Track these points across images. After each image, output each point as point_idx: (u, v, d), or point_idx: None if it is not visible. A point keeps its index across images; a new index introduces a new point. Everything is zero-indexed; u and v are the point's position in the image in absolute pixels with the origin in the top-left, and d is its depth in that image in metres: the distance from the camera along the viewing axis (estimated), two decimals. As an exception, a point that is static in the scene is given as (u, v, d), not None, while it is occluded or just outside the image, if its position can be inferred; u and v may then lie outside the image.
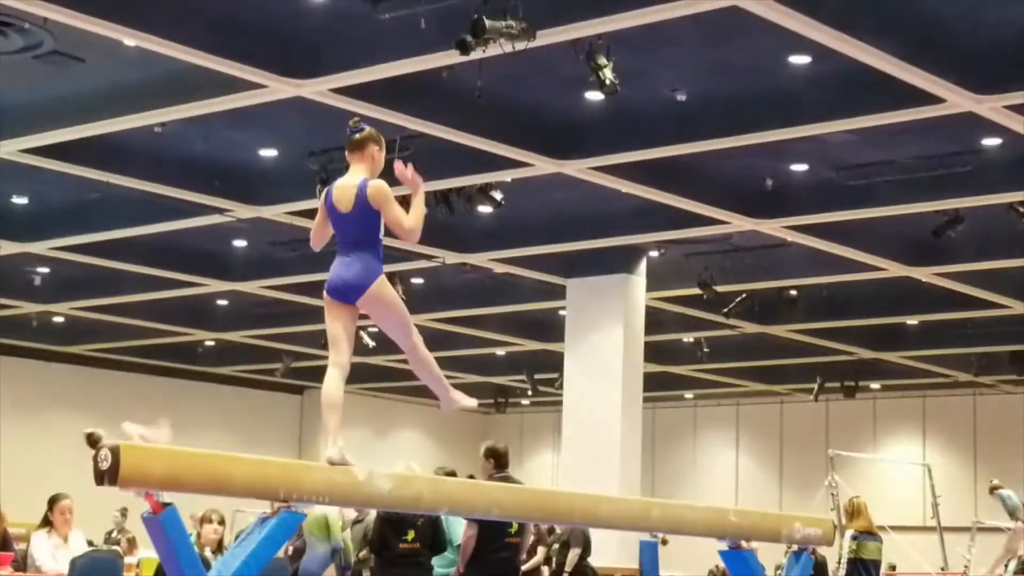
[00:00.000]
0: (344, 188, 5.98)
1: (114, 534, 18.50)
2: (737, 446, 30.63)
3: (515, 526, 9.76)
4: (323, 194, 6.10)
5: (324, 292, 5.96)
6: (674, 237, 17.05)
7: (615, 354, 17.84)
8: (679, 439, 30.95)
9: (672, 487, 30.23)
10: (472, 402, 6.39)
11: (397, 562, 10.18)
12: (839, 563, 12.46)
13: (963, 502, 25.62)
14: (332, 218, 6.00)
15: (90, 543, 12.98)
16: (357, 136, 6.11)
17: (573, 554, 14.64)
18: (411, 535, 10.19)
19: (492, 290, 20.58)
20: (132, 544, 17.31)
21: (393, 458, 17.84)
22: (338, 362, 5.89)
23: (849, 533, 12.37)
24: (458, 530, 10.42)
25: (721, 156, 13.79)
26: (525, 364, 25.89)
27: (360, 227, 5.94)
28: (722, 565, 7.86)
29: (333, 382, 5.84)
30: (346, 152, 6.13)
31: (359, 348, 24.06)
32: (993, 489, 19.60)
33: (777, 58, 11.68)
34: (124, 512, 19.26)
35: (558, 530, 15.01)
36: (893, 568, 21.53)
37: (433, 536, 10.37)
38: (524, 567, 12.29)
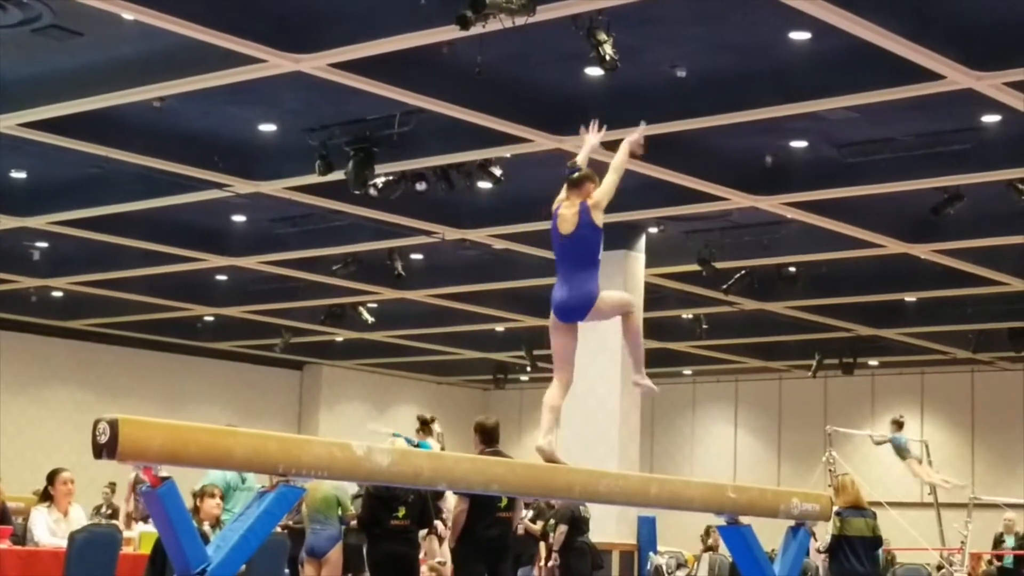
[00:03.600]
0: (565, 215, 6.74)
1: (103, 509, 18.55)
2: (736, 422, 30.65)
3: (505, 501, 9.77)
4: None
5: (551, 313, 6.72)
6: (673, 214, 17.02)
7: (614, 330, 17.75)
8: (678, 415, 30.95)
9: (670, 463, 30.28)
10: (653, 389, 7.14)
11: (388, 538, 10.25)
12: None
13: (960, 478, 25.65)
14: (555, 243, 6.73)
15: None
16: (576, 176, 6.93)
17: (560, 530, 14.66)
18: (402, 512, 10.26)
19: (491, 266, 20.54)
20: (131, 518, 17.32)
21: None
22: (562, 380, 6.78)
23: (833, 510, 12.37)
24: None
25: (721, 133, 13.76)
26: (524, 340, 25.87)
27: (581, 247, 6.70)
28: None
29: (555, 391, 6.75)
30: (565, 187, 6.92)
31: (359, 324, 24.22)
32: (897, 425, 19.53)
33: (777, 34, 11.64)
34: (113, 487, 19.31)
35: (556, 506, 15.02)
36: (887, 544, 21.55)
37: (421, 512, 10.45)
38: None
